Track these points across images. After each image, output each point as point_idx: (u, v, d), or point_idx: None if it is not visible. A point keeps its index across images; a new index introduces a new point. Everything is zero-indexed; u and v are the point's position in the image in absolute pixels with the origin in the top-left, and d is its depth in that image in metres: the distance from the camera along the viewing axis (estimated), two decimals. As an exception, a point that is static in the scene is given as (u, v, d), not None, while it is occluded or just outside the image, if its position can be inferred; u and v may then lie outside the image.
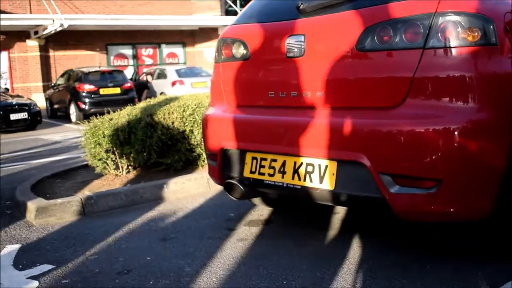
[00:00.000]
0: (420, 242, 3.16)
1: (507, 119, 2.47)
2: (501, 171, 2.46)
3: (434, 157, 2.42)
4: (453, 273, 2.68)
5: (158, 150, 5.15)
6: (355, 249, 3.07)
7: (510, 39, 2.53)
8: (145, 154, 5.10)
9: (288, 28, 3.00)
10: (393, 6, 2.61)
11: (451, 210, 2.48)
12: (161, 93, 16.51)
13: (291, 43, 2.95)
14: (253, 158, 3.12)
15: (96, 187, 4.97)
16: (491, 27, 2.45)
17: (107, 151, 5.13)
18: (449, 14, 2.45)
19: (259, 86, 3.17)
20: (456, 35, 2.44)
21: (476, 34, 2.44)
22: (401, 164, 2.51)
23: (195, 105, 5.40)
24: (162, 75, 17.87)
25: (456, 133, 2.40)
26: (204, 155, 5.29)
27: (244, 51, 3.25)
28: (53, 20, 20.05)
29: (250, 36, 3.24)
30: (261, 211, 4.00)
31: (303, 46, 2.90)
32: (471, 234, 2.93)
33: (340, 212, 3.77)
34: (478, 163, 2.44)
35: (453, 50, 2.44)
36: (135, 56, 24.87)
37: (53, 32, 20.74)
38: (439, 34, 2.45)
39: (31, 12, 21.66)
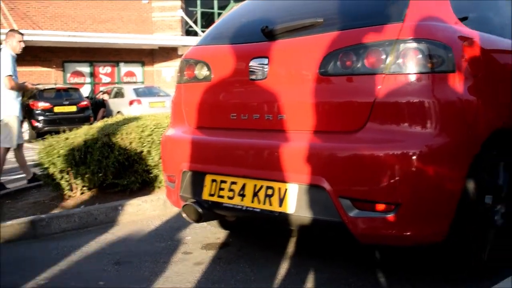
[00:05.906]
0: (379, 265, 3.16)
1: (464, 143, 2.53)
2: (457, 194, 2.50)
3: (392, 181, 2.43)
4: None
5: (115, 171, 5.04)
6: (312, 273, 3.04)
7: (467, 67, 2.59)
8: (100, 174, 4.97)
9: (252, 50, 2.99)
10: (356, 32, 2.64)
11: (409, 233, 2.49)
12: (118, 112, 16.31)
13: (254, 66, 2.94)
14: (213, 180, 3.07)
15: (48, 208, 4.80)
16: (450, 54, 2.51)
17: (61, 171, 4.98)
18: (410, 41, 2.49)
19: (221, 108, 3.14)
20: (416, 61, 2.48)
21: (436, 61, 2.48)
22: (360, 188, 2.51)
23: (153, 125, 5.32)
24: (119, 94, 17.66)
25: (414, 157, 2.42)
26: (161, 177, 5.20)
27: (207, 73, 3.22)
28: (9, 35, 19.63)
29: (213, 57, 3.22)
30: (218, 234, 3.93)
31: (266, 69, 2.90)
32: (435, 255, 2.93)
33: (297, 235, 3.74)
34: (436, 187, 2.47)
35: (413, 76, 2.48)
36: (92, 74, 24.51)
37: (8, 47, 20.29)
38: (400, 60, 2.49)
39: (-15, 26, 21.17)
